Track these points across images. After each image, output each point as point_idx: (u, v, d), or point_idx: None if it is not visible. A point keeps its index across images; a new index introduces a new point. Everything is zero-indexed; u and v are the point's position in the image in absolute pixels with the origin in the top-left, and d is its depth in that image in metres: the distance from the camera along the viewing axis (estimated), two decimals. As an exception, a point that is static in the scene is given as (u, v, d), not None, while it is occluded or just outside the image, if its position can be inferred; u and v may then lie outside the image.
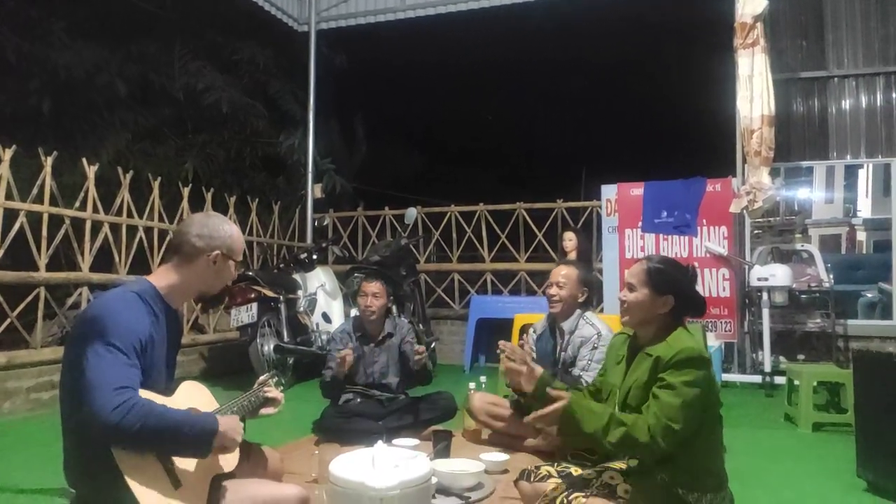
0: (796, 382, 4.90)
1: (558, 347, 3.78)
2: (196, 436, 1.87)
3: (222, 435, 1.93)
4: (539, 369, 2.37)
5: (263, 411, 2.33)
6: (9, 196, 5.17)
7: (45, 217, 5.46)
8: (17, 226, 5.19)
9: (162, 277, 2.11)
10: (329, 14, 9.40)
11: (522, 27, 12.77)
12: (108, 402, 1.74)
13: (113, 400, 1.74)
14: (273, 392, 2.35)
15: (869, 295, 8.19)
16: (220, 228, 2.16)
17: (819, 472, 3.73)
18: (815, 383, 4.80)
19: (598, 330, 3.69)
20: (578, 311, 3.78)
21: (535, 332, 4.04)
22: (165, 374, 2.11)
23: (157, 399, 1.88)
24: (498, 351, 2.56)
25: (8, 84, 8.79)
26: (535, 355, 3.97)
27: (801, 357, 6.54)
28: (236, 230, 2.22)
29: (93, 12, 9.41)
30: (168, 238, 6.59)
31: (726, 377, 6.46)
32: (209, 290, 2.22)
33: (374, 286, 4.22)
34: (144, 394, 1.85)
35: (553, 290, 3.77)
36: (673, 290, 2.30)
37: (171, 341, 2.13)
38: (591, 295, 3.93)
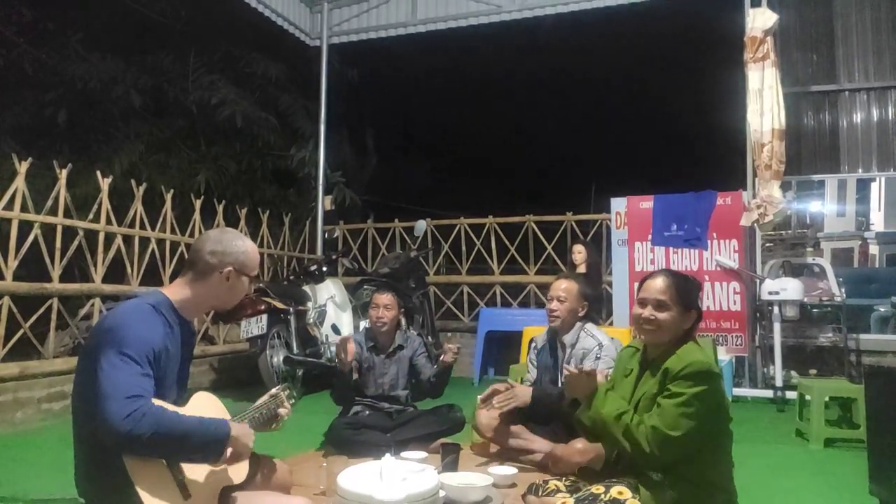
0: (808, 397, 4.86)
1: (560, 361, 3.78)
2: (208, 440, 1.89)
3: (234, 440, 1.95)
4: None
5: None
6: (24, 208, 5.23)
7: (60, 229, 5.50)
8: (31, 237, 5.23)
9: (177, 291, 2.13)
10: (341, 28, 9.48)
11: (533, 41, 12.86)
12: (121, 410, 1.75)
13: (125, 408, 1.76)
14: (281, 408, 2.35)
15: (882, 309, 8.13)
16: (234, 245, 2.16)
17: (830, 489, 3.69)
18: (826, 398, 4.75)
19: (599, 341, 3.69)
20: (579, 324, 3.77)
21: (535, 345, 4.04)
22: (178, 385, 2.13)
23: (170, 409, 1.90)
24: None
25: (25, 95, 8.94)
26: (535, 370, 3.99)
27: (812, 372, 6.48)
28: (250, 245, 2.22)
29: (109, 24, 9.57)
30: (180, 250, 6.65)
31: (737, 391, 6.42)
32: (223, 305, 2.23)
33: (385, 298, 4.24)
34: (157, 403, 1.86)
35: (554, 305, 3.75)
36: (695, 304, 2.32)
37: (184, 353, 2.15)
38: (591, 308, 3.92)
